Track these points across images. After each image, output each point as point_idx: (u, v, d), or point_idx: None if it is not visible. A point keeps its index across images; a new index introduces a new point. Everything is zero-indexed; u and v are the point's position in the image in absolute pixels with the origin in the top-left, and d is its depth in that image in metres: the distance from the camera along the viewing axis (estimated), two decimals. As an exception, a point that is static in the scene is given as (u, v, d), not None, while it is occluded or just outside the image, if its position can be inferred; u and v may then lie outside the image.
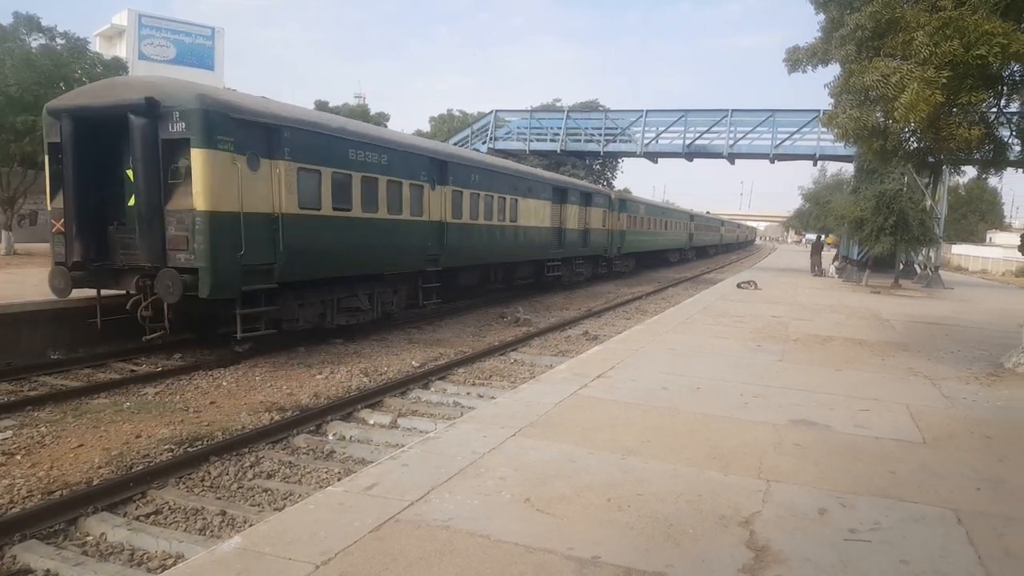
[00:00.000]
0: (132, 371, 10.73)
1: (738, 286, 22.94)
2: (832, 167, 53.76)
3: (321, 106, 38.80)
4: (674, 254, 47.31)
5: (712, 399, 7.63)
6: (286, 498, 6.23)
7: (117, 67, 23.09)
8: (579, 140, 32.26)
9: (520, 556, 3.88)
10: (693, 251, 54.64)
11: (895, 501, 4.91)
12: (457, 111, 47.31)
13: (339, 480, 5.72)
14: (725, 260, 63.06)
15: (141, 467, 6.78)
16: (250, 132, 10.73)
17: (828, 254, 33.14)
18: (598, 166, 61.00)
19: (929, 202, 26.17)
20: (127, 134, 10.16)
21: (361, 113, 40.18)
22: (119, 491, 6.14)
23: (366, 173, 13.35)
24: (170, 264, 10.19)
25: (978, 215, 78.34)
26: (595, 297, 24.38)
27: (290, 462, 7.18)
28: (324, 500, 4.63)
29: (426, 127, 48.77)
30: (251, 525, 4.96)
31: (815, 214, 53.39)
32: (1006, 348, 10.98)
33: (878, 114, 8.36)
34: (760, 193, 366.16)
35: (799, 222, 75.43)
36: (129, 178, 10.67)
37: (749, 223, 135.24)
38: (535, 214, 22.18)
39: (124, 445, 7.33)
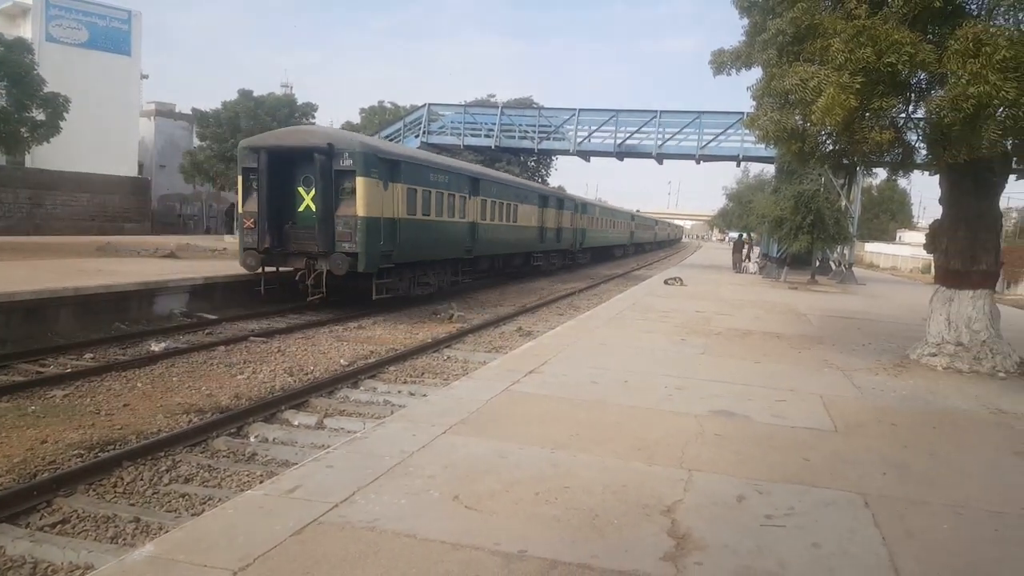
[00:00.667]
0: (38, 373, 10.21)
1: (665, 282, 23.47)
2: (754, 168, 55.32)
3: (246, 95, 37.58)
4: (619, 249, 54.26)
5: (639, 392, 7.78)
6: (205, 503, 6.04)
7: (21, 48, 21.78)
8: (513, 137, 32.32)
9: (447, 554, 3.87)
10: (633, 246, 61.84)
11: (808, 487, 5.10)
12: (389, 103, 46.51)
13: (260, 483, 5.59)
14: (654, 257, 64.36)
15: (47, 474, 6.43)
16: (385, 165, 16.24)
17: (728, 249, 34.69)
18: (533, 163, 61.33)
19: (844, 202, 27.38)
20: (302, 164, 15.61)
21: (288, 103, 39.14)
22: (21, 501, 5.81)
23: (438, 189, 19.18)
24: (338, 250, 15.32)
25: (889, 215, 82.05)
26: (529, 293, 24.54)
27: (209, 466, 6.98)
28: (243, 504, 4.50)
29: (356, 119, 47.87)
30: (166, 532, 4.80)
31: (738, 213, 55.09)
32: (912, 340, 11.52)
33: (797, 117, 8.63)
34: (687, 192, 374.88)
35: (723, 221, 77.54)
36: (300, 193, 15.89)
37: (677, 222, 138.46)
38: (527, 216, 28.16)
39: (28, 452, 6.95)
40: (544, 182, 60.72)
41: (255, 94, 37.81)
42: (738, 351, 10.84)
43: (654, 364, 9.43)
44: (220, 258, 21.37)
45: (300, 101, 40.06)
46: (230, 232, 32.77)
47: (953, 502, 5.00)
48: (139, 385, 9.72)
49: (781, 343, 11.85)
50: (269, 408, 8.84)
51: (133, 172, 40.76)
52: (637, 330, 12.50)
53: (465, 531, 4.15)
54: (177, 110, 46.21)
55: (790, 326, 14.12)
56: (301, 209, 15.95)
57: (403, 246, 17.03)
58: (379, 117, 44.35)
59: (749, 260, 33.92)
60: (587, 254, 41.14)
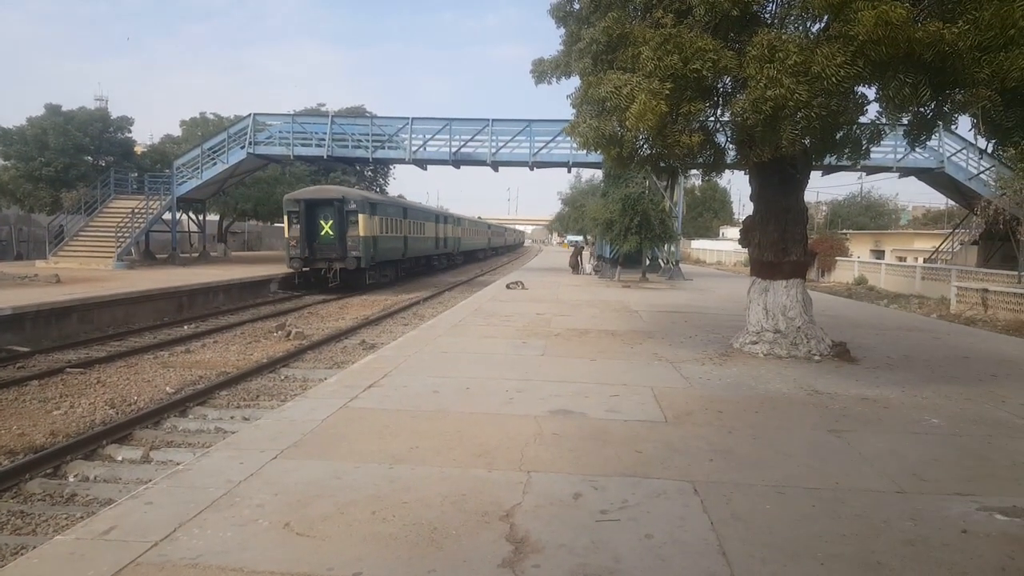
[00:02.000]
0: None
1: (507, 287, 23.75)
2: (586, 173, 57.92)
3: (53, 110, 34.54)
4: (481, 252, 68.29)
5: (480, 398, 7.77)
6: (16, 553, 5.44)
7: None
8: (346, 146, 31.60)
9: (275, 585, 3.64)
10: (491, 250, 76.08)
11: (641, 479, 5.26)
12: (212, 114, 44.04)
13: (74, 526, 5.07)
14: (498, 262, 65.31)
15: None
16: (371, 205, 28.55)
17: (567, 252, 36.59)
18: (370, 172, 60.28)
19: (668, 203, 28.99)
20: (323, 207, 27.22)
21: (101, 118, 36.29)
22: None
23: (391, 216, 31.65)
24: (349, 255, 26.80)
25: (712, 213, 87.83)
26: (372, 305, 24.10)
27: (22, 511, 6.40)
28: (51, 552, 4.04)
29: (177, 131, 45.08)
30: (-48, 596, 4.22)
31: (574, 217, 57.29)
32: (735, 330, 12.32)
33: (614, 123, 8.93)
34: (525, 198, 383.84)
35: (561, 225, 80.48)
36: (321, 224, 27.04)
37: (518, 227, 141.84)
38: (430, 230, 41.66)
39: None
40: (383, 191, 60.17)
41: (64, 108, 34.83)
42: (576, 350, 11.12)
43: (495, 369, 9.47)
44: (31, 286, 19.35)
45: (115, 115, 37.35)
46: (42, 256, 29.95)
47: (775, 482, 5.29)
48: (-72, 432, 8.59)
49: (615, 340, 12.28)
50: (89, 444, 8.24)
51: (-79, 195, 36.22)
52: (479, 336, 12.55)
53: (296, 559, 3.93)
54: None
55: (623, 323, 14.70)
56: (322, 234, 27.35)
57: (379, 253, 29.43)
58: (202, 129, 41.97)
59: (583, 261, 35.21)
60: (461, 257, 55.52)
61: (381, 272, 30.17)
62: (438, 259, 45.03)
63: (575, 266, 34.41)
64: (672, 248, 31.25)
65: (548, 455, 5.77)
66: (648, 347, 11.58)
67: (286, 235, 27.65)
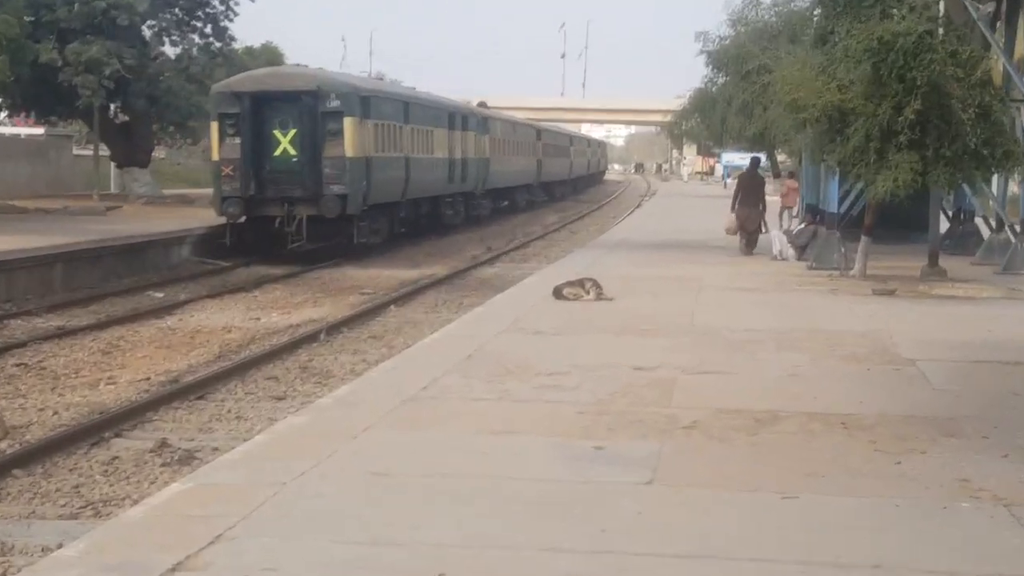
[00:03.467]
0: None
1: (558, 295, 23.70)
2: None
3: None
4: (523, 192, 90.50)
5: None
6: None
7: None
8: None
9: None
10: (540, 188, 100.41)
11: None
12: None
13: None
14: (544, 220, 66.17)
15: None
16: (362, 100, 49.11)
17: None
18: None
19: (1001, 60, 28.22)
20: (286, 108, 44.83)
21: None
22: None
23: (387, 121, 51.93)
24: (327, 192, 43.69)
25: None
26: (201, 340, 24.35)
27: None
28: None
29: None
30: None
31: (740, 102, 56.49)
32: None
33: None
34: (605, 59, 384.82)
35: (704, 123, 79.98)
36: (277, 138, 43.88)
37: (589, 131, 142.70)
38: (440, 145, 58.34)
39: None
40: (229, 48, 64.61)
41: None
42: (739, 470, 10.94)
43: (517, 523, 9.13)
44: None
45: None
46: None
47: None
48: None
49: (852, 440, 12.12)
50: None
51: None
52: (478, 426, 12.60)
53: None
54: None
55: (876, 393, 14.64)
56: (277, 154, 37.98)
57: (373, 189, 43.91)
58: None
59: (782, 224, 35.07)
60: (488, 200, 72.20)
61: (372, 225, 43.32)
62: (451, 204, 61.76)
63: (748, 232, 34.15)
64: (1019, 185, 30.75)
65: None
66: (944, 459, 11.40)
67: (215, 156, 40.10)
